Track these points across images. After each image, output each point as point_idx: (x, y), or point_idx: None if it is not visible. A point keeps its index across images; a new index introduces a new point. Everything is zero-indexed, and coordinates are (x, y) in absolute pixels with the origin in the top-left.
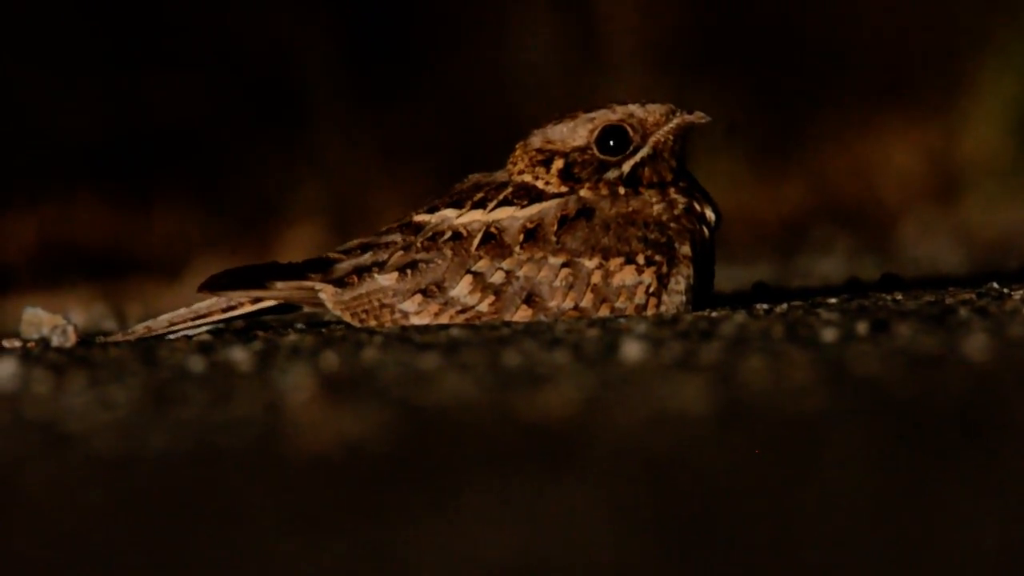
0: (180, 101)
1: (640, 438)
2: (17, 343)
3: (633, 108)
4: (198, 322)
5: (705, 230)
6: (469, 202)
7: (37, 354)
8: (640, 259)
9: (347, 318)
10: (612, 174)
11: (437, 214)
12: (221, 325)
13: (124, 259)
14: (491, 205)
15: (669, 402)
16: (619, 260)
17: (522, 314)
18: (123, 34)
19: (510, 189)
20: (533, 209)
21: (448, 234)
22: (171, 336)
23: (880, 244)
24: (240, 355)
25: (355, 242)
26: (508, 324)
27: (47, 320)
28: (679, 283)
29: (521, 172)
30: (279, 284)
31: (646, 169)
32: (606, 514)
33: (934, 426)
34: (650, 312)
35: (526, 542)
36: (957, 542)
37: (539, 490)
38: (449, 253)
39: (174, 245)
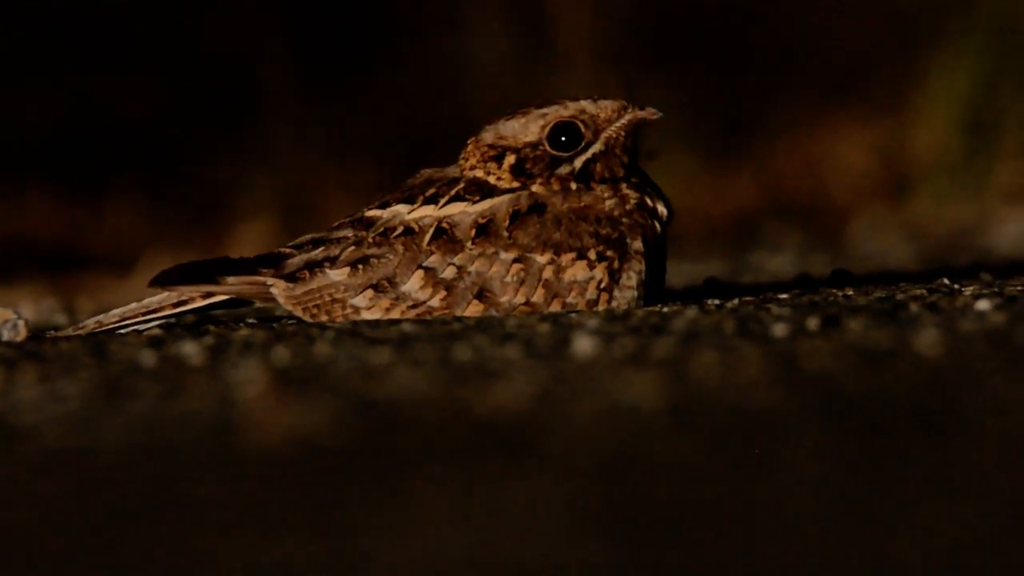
0: (130, 97)
1: (593, 433)
2: None
3: (585, 104)
4: (149, 317)
5: (657, 225)
6: (421, 197)
7: None
8: (592, 254)
9: (298, 313)
10: (564, 170)
11: (389, 209)
12: (172, 320)
13: (75, 254)
14: (443, 200)
15: (621, 397)
16: (571, 255)
17: (473, 309)
18: (73, 30)
19: (462, 184)
20: (485, 204)
21: (400, 229)
22: (122, 331)
23: (831, 240)
24: (191, 349)
25: (307, 237)
26: (460, 319)
27: None
28: (631, 278)
29: (473, 168)
30: (230, 279)
31: (598, 165)
32: (560, 508)
33: (886, 421)
34: (602, 307)
35: (480, 537)
36: (911, 537)
37: (493, 485)
38: (401, 248)
39: (125, 240)
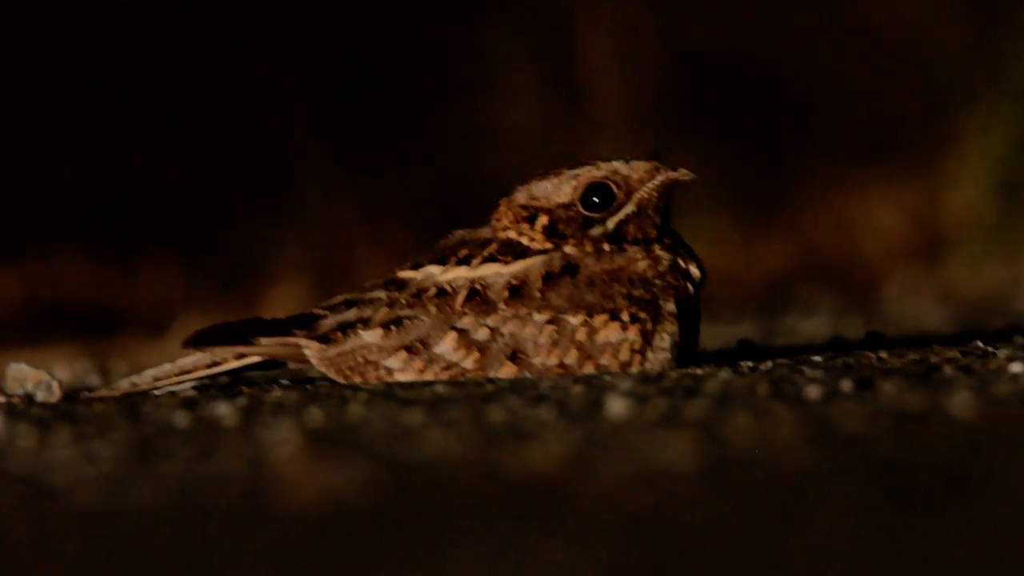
0: (164, 160)
1: (625, 494)
2: (1, 398)
3: (617, 165)
4: (183, 378)
5: (690, 287)
6: (454, 258)
7: (21, 409)
8: (625, 316)
9: (332, 374)
10: (597, 231)
11: (422, 270)
12: (206, 381)
13: (109, 315)
14: (476, 262)
15: (654, 459)
16: (604, 317)
17: (507, 371)
18: (107, 94)
19: (495, 245)
20: (518, 266)
21: (433, 291)
22: (156, 392)
23: (864, 303)
24: (225, 410)
25: (340, 298)
26: (493, 380)
27: (32, 376)
28: (664, 340)
29: (506, 228)
30: (264, 340)
31: (631, 226)
32: (592, 570)
33: (919, 483)
34: (635, 369)
35: None
36: None
37: (525, 546)
38: (434, 310)
39: (159, 302)
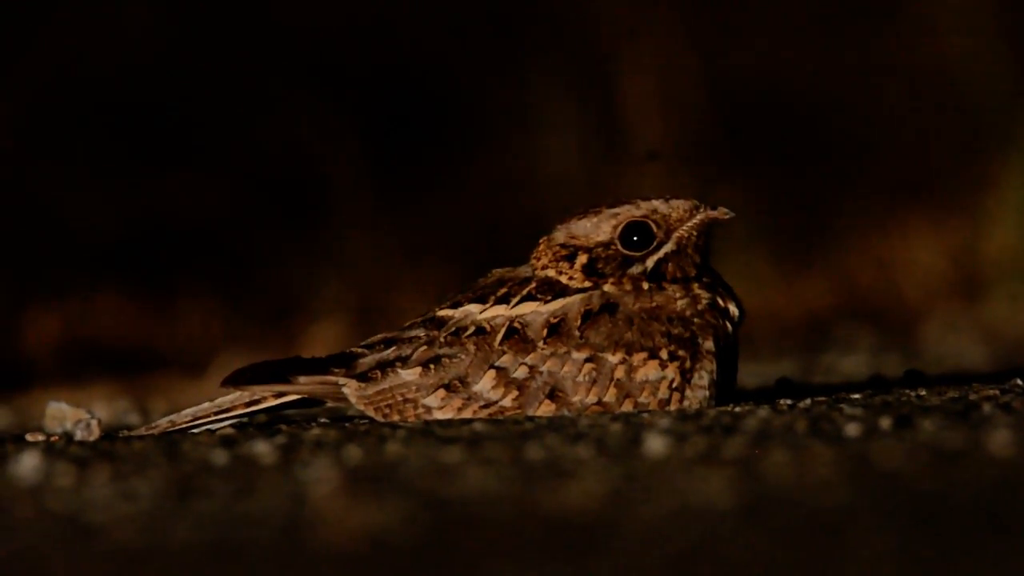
0: (204, 198)
1: (664, 532)
2: (41, 437)
3: (657, 204)
4: (221, 416)
5: (728, 325)
6: (492, 297)
7: (60, 448)
8: (663, 354)
9: (370, 412)
10: (636, 269)
11: (460, 309)
12: (244, 419)
13: (148, 354)
14: (514, 300)
15: (693, 496)
16: (642, 355)
17: (545, 408)
18: (147, 133)
19: (534, 284)
20: (557, 304)
21: (471, 329)
22: (195, 430)
23: (904, 341)
24: (263, 448)
25: (378, 337)
26: (531, 418)
27: (71, 414)
28: (702, 378)
29: (545, 267)
30: (302, 379)
31: (670, 264)
32: None
33: (958, 522)
34: (673, 407)
35: None
36: None
37: None
38: (472, 348)
39: (197, 341)
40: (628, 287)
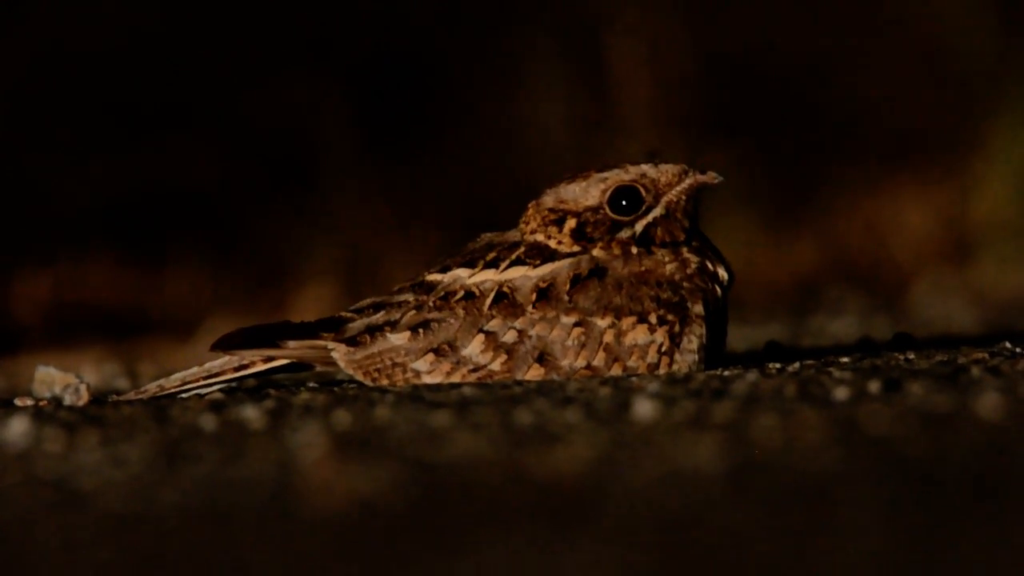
0: (192, 165)
1: (652, 497)
2: (29, 401)
3: (646, 168)
4: (210, 381)
5: (718, 289)
6: (481, 261)
7: (49, 412)
8: (652, 318)
9: (359, 377)
10: (625, 234)
11: (449, 273)
12: (233, 384)
13: (137, 318)
14: (503, 264)
15: (681, 461)
16: (631, 319)
17: (534, 373)
18: (138, 100)
19: (522, 248)
20: (546, 268)
21: (460, 293)
22: (183, 395)
23: (893, 304)
24: (252, 413)
25: (367, 301)
26: (520, 383)
27: (59, 379)
28: (691, 342)
29: (533, 232)
30: (291, 343)
31: (659, 229)
32: (619, 573)
33: (946, 485)
34: (662, 371)
35: None
36: None
37: (552, 548)
38: (461, 312)
39: (186, 305)
40: (617, 251)
